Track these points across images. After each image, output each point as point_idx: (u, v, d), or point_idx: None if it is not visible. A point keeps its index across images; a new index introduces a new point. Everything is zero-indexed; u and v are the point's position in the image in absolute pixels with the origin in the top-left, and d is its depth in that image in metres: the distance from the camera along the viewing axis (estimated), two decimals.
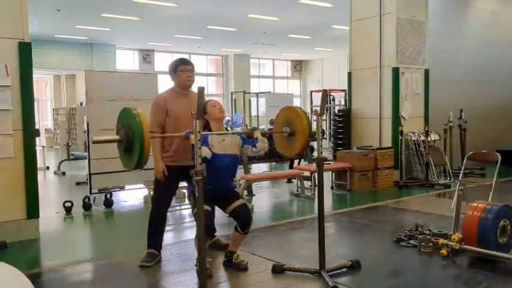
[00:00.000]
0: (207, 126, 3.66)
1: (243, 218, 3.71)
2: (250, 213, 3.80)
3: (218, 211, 3.87)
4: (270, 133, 4.12)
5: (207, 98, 3.67)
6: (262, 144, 3.67)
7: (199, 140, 2.89)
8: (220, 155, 3.57)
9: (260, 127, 13.26)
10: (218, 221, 4.29)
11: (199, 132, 2.90)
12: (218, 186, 3.59)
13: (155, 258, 4.04)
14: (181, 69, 4.04)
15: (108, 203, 6.50)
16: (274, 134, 3.91)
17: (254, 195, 7.31)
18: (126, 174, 6.58)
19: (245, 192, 6.78)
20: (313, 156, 8.40)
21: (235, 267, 3.83)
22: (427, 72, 8.54)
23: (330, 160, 8.08)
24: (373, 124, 8.31)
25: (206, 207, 3.40)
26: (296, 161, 8.85)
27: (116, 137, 2.94)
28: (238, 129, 13.78)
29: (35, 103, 5.76)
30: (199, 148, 2.89)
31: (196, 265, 3.62)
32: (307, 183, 7.25)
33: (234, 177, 3.83)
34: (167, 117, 3.97)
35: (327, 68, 24.11)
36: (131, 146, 2.83)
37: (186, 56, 21.56)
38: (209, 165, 3.40)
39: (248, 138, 3.73)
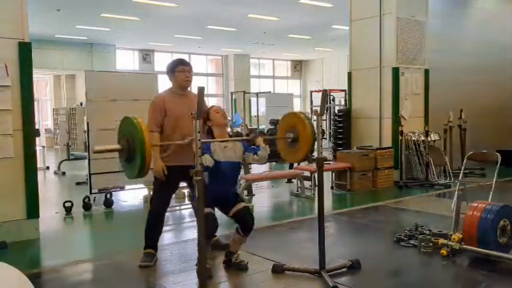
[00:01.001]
0: (209, 133, 3.65)
1: (245, 222, 3.70)
2: (253, 217, 3.79)
3: (218, 211, 3.87)
4: (272, 138, 4.11)
5: (207, 99, 3.68)
6: (264, 153, 3.66)
7: (199, 139, 2.89)
8: (223, 163, 3.56)
9: (260, 127, 13.27)
10: (218, 221, 4.28)
11: (199, 132, 2.91)
12: (220, 192, 3.59)
13: (154, 258, 4.05)
14: (180, 69, 4.05)
15: (108, 203, 6.50)
16: (278, 141, 3.90)
17: (254, 195, 7.31)
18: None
19: (245, 192, 6.79)
20: (313, 156, 8.39)
21: (235, 267, 3.83)
22: (427, 72, 8.53)
23: (330, 160, 8.09)
24: (373, 124, 8.31)
25: (207, 209, 3.41)
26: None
27: (117, 146, 2.94)
28: (238, 129, 13.79)
29: (35, 103, 5.76)
30: (200, 156, 2.89)
31: (196, 265, 3.63)
32: (307, 183, 7.25)
33: (236, 184, 3.83)
34: (166, 116, 3.98)
35: (327, 68, 24.10)
36: (132, 155, 2.82)
37: (186, 56, 21.62)
38: (211, 173, 3.41)
39: (249, 143, 3.72)
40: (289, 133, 3.71)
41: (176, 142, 3.74)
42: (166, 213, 4.27)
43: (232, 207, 3.69)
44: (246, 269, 3.81)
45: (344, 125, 8.77)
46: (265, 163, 8.75)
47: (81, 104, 15.90)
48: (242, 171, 7.17)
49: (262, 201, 7.07)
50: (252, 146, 3.71)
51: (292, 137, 3.67)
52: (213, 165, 3.43)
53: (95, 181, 6.51)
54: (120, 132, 2.99)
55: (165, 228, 4.29)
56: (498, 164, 5.20)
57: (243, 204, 3.74)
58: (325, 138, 13.60)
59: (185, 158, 3.80)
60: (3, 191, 4.77)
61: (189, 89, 4.19)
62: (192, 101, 3.55)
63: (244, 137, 4.04)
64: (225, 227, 4.67)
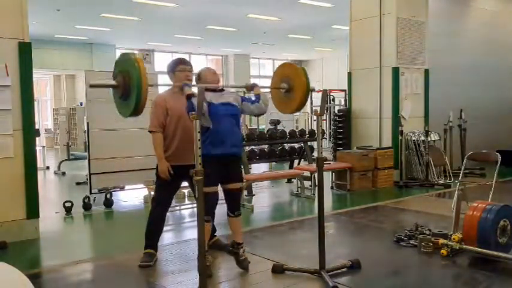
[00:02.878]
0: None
1: (231, 200, 3.79)
2: (240, 200, 3.90)
3: (219, 211, 3.88)
4: (267, 87, 4.06)
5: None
6: (265, 101, 3.69)
7: (199, 133, 2.89)
8: (221, 105, 3.61)
9: (260, 127, 13.26)
10: (218, 221, 4.28)
11: (199, 132, 2.91)
12: (225, 143, 3.59)
13: (154, 258, 4.05)
14: (180, 69, 4.05)
15: (108, 203, 6.50)
16: (272, 91, 3.88)
17: (254, 195, 7.31)
18: (126, 174, 6.61)
19: (245, 192, 6.79)
20: (313, 156, 8.40)
21: (239, 263, 3.81)
22: (427, 72, 8.53)
23: (330, 160, 8.08)
24: (373, 124, 8.31)
25: (210, 188, 3.42)
26: (296, 161, 8.85)
27: (113, 82, 2.91)
28: None
29: (35, 103, 5.76)
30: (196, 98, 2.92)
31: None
32: (307, 183, 7.26)
33: (239, 137, 3.82)
34: (168, 116, 3.98)
35: (327, 68, 24.10)
36: (128, 92, 2.79)
37: (186, 56, 21.59)
38: (211, 116, 3.44)
39: (247, 90, 3.78)
40: (283, 83, 3.69)
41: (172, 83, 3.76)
42: (167, 213, 4.27)
43: (230, 183, 3.74)
44: (247, 269, 3.80)
45: (344, 125, 8.77)
46: (264, 160, 8.73)
47: (81, 104, 15.91)
48: (242, 172, 7.19)
49: (262, 201, 7.07)
50: (250, 99, 3.77)
51: (286, 87, 3.65)
52: (212, 110, 3.49)
53: (95, 181, 6.51)
54: (116, 69, 2.96)
55: (165, 228, 4.29)
56: (498, 164, 5.20)
57: (239, 185, 3.83)
58: (325, 138, 13.60)
59: (186, 157, 3.80)
60: (3, 191, 4.77)
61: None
62: None
63: (242, 87, 4.03)
64: (225, 227, 4.67)
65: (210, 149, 3.50)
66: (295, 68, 3.66)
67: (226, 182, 3.75)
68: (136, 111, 2.77)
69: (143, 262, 3.97)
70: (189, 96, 3.39)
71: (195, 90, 3.35)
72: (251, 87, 3.71)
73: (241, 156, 3.89)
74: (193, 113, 2.93)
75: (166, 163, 3.91)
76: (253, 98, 3.89)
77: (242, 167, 7.29)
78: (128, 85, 2.78)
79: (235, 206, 3.81)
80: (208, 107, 3.52)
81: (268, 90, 4.00)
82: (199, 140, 2.92)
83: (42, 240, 4.96)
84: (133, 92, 2.72)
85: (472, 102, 9.42)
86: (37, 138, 6.64)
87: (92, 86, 2.96)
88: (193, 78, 4.16)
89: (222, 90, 3.79)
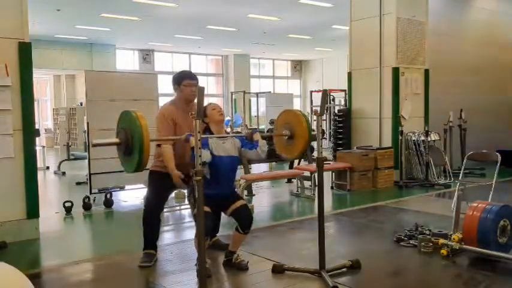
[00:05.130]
0: (207, 129, 3.68)
1: (243, 218, 3.71)
2: (251, 214, 3.81)
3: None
4: (270, 135, 4.12)
5: (206, 100, 3.68)
6: (263, 148, 3.68)
7: (199, 140, 2.89)
8: (221, 157, 3.61)
9: (260, 127, 13.27)
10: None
11: (199, 132, 2.90)
12: (219, 188, 3.62)
13: (153, 258, 4.05)
14: (186, 83, 4.02)
15: (108, 203, 6.50)
16: (275, 136, 3.91)
17: (254, 195, 7.31)
18: (126, 174, 6.56)
19: (245, 192, 6.78)
20: (313, 156, 8.40)
21: (235, 267, 3.83)
22: (427, 72, 8.54)
23: (330, 160, 8.08)
24: (373, 124, 8.31)
25: (206, 208, 3.42)
26: (296, 161, 8.85)
27: (116, 140, 2.94)
28: (239, 129, 13.80)
29: (35, 103, 5.76)
30: (200, 149, 2.90)
31: (196, 265, 3.63)
32: (307, 183, 7.25)
33: (234, 179, 3.84)
34: (175, 130, 3.95)
35: (327, 68, 24.09)
36: (131, 149, 2.83)
37: (186, 56, 21.66)
38: (210, 168, 3.42)
39: (247, 140, 3.74)
40: (285, 130, 3.71)
41: (173, 138, 3.72)
42: (167, 213, 4.28)
43: (230, 206, 3.71)
44: (246, 268, 3.81)
45: (344, 125, 8.77)
46: (264, 160, 8.76)
47: (81, 104, 15.90)
48: (242, 172, 7.20)
49: (262, 201, 7.06)
50: (250, 143, 3.73)
51: (288, 134, 3.67)
52: (212, 161, 3.47)
53: (94, 181, 6.51)
54: (119, 126, 2.98)
55: (165, 228, 4.31)
56: (498, 164, 5.20)
57: (241, 202, 3.77)
58: (325, 138, 13.60)
59: (182, 169, 3.78)
60: (3, 191, 4.77)
61: (194, 101, 4.16)
62: None
63: (242, 134, 4.04)
64: (225, 227, 4.67)
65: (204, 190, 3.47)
66: (297, 116, 3.67)
67: (227, 207, 3.72)
68: (140, 167, 2.81)
69: (143, 262, 3.97)
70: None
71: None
72: (251, 135, 3.71)
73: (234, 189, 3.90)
74: (192, 113, 2.93)
75: (178, 172, 3.84)
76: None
77: (242, 170, 7.29)
78: (130, 142, 2.81)
79: (246, 224, 3.70)
80: (212, 156, 3.50)
81: (269, 135, 4.01)
82: (199, 140, 2.92)
83: (42, 240, 4.96)
84: (136, 149, 2.76)
85: (472, 102, 9.42)
86: (37, 138, 6.63)
87: (95, 145, 2.98)
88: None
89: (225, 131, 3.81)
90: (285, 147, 3.79)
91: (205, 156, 3.34)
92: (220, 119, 3.75)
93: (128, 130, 2.84)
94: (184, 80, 4.04)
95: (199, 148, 2.90)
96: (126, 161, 2.93)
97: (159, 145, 3.96)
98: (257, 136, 3.69)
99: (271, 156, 8.51)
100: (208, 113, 3.70)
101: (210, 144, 3.54)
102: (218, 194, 3.59)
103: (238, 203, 3.73)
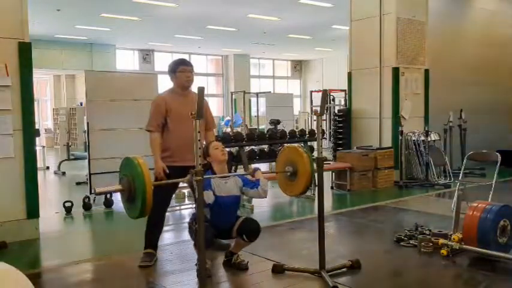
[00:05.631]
0: (209, 168, 3.65)
1: (249, 229, 3.69)
2: (257, 222, 3.79)
3: None
4: (272, 172, 4.09)
5: (207, 100, 3.67)
6: (264, 188, 3.66)
7: (199, 133, 2.89)
8: (223, 197, 3.59)
9: (260, 127, 13.26)
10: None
11: (199, 132, 2.91)
12: (222, 225, 3.64)
13: (153, 258, 4.05)
14: (181, 69, 4.06)
15: (108, 203, 6.50)
16: (277, 174, 3.90)
17: None
18: None
19: None
20: (313, 156, 8.39)
21: (235, 267, 3.83)
22: (427, 72, 8.54)
23: (330, 160, 8.08)
24: (373, 124, 8.31)
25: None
26: None
27: (119, 187, 2.96)
28: (239, 129, 13.78)
29: (35, 103, 5.76)
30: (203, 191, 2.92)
31: (196, 265, 3.63)
32: None
33: (235, 215, 3.81)
34: (167, 117, 3.98)
35: (327, 68, 24.10)
36: (134, 196, 2.84)
37: (186, 56, 21.63)
38: (213, 208, 3.43)
39: (250, 176, 3.71)
40: (288, 166, 3.70)
41: (178, 180, 3.58)
42: (166, 213, 4.27)
43: (233, 228, 3.70)
44: (246, 268, 3.81)
45: (344, 125, 8.77)
46: (264, 160, 8.76)
47: (81, 104, 15.91)
48: (242, 171, 7.18)
49: (262, 201, 7.05)
50: (252, 182, 3.69)
51: (291, 170, 3.67)
52: (215, 201, 3.47)
53: (94, 181, 6.50)
54: (121, 172, 3.00)
55: (165, 228, 4.30)
56: (498, 164, 5.20)
57: (242, 218, 3.75)
58: (325, 138, 13.60)
59: (185, 158, 3.81)
60: (3, 191, 4.77)
61: (190, 88, 4.20)
62: (193, 101, 3.54)
63: (245, 173, 4.03)
64: None
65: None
66: (300, 153, 3.66)
67: (230, 233, 3.71)
68: (143, 213, 2.84)
69: (143, 262, 3.97)
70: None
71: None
72: (253, 174, 3.70)
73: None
74: (192, 113, 2.92)
75: (162, 163, 3.90)
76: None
77: (242, 170, 7.28)
78: (133, 188, 2.83)
79: (254, 234, 3.69)
80: (215, 198, 3.49)
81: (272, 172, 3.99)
82: (199, 140, 2.92)
83: (42, 240, 4.96)
84: (139, 196, 2.78)
85: (472, 102, 9.42)
86: (37, 138, 6.63)
87: (98, 193, 3.00)
88: (194, 78, 4.17)
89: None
90: (287, 184, 3.77)
91: (208, 197, 3.35)
92: (223, 158, 3.70)
93: (130, 177, 2.85)
94: (179, 66, 4.07)
95: (203, 190, 2.90)
96: (129, 208, 2.95)
97: (149, 131, 3.98)
98: (259, 175, 3.66)
99: (272, 156, 8.52)
100: (211, 152, 3.67)
101: (212, 185, 3.53)
102: (220, 226, 3.62)
103: (239, 220, 3.72)
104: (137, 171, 2.80)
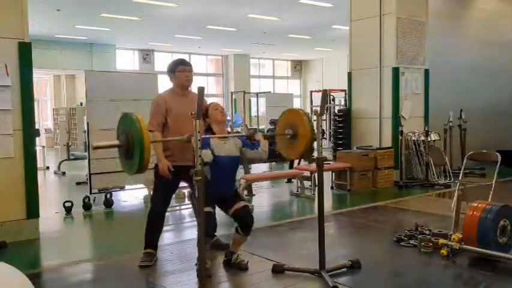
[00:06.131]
0: (209, 129, 3.67)
1: (244, 220, 3.71)
2: (252, 216, 3.80)
3: (219, 211, 3.87)
4: (272, 135, 4.12)
5: (207, 99, 3.68)
6: (264, 148, 3.68)
7: (199, 140, 2.89)
8: (222, 157, 3.59)
9: (260, 127, 13.26)
10: (218, 221, 4.28)
11: (199, 132, 2.91)
12: (220, 188, 3.61)
13: (153, 258, 4.05)
14: (180, 69, 4.07)
15: (108, 203, 6.50)
16: (277, 136, 3.91)
17: (254, 195, 7.31)
18: (126, 174, 6.55)
19: (245, 192, 6.79)
20: (313, 156, 8.39)
21: (235, 267, 3.83)
22: (427, 72, 8.53)
23: (330, 160, 8.08)
24: (373, 124, 8.30)
25: (208, 208, 3.42)
26: (296, 161, 8.85)
27: (116, 142, 2.95)
28: (238, 129, 13.79)
29: (35, 103, 5.76)
30: (200, 149, 2.90)
31: (196, 264, 3.63)
32: (307, 183, 7.25)
33: (235, 179, 3.83)
34: (168, 117, 3.99)
35: (327, 68, 24.10)
36: (131, 151, 2.83)
37: (186, 56, 21.62)
38: (211, 168, 3.42)
39: (248, 139, 3.74)
40: (288, 129, 3.71)
41: (175, 139, 3.73)
42: (166, 213, 4.27)
43: (232, 206, 3.69)
44: (246, 268, 3.81)
45: (344, 125, 8.77)
46: (265, 161, 8.77)
47: (81, 104, 15.91)
48: (242, 172, 7.19)
49: (262, 201, 7.07)
50: (251, 142, 3.73)
51: (291, 133, 3.67)
52: (213, 161, 3.46)
53: (94, 181, 6.50)
54: (119, 129, 2.99)
55: (165, 228, 4.30)
56: (498, 164, 5.20)
57: (242, 204, 3.74)
58: (325, 138, 13.60)
59: (185, 157, 3.81)
60: (3, 191, 4.77)
61: (189, 88, 4.21)
62: (193, 101, 3.55)
63: (243, 134, 4.05)
64: (225, 227, 4.67)
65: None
66: (300, 116, 3.67)
67: (229, 207, 3.71)
68: (141, 169, 2.83)
69: (143, 262, 3.97)
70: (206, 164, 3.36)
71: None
72: (252, 135, 3.72)
73: (236, 189, 3.89)
74: (193, 113, 2.93)
75: (167, 162, 3.91)
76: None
77: (242, 170, 7.29)
78: (131, 144, 2.82)
79: (246, 226, 3.71)
80: (213, 156, 3.49)
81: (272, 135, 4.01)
82: (199, 140, 2.92)
83: (42, 240, 4.96)
84: (137, 151, 2.77)
85: (472, 102, 9.42)
86: (37, 138, 6.63)
87: (95, 147, 2.99)
88: (193, 78, 4.17)
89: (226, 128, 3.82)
90: (287, 146, 3.79)
91: (207, 156, 3.34)
92: (222, 119, 3.74)
93: (129, 133, 2.84)
94: (178, 66, 4.09)
95: (200, 148, 2.90)
96: (126, 164, 2.94)
97: (150, 130, 3.98)
98: (258, 136, 3.69)
99: (271, 156, 8.54)
100: (210, 112, 3.68)
101: (211, 144, 3.54)
102: (218, 192, 3.58)
103: (240, 204, 3.71)
104: (135, 126, 2.79)
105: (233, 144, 3.71)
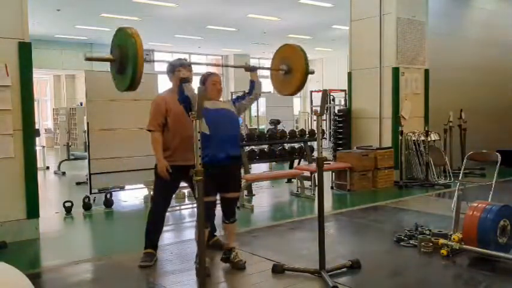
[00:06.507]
0: None
1: (227, 209, 3.82)
2: (236, 205, 3.93)
3: (219, 213, 3.88)
4: (267, 68, 4.11)
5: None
6: (257, 91, 3.80)
7: (199, 133, 2.89)
8: (218, 110, 3.65)
9: (260, 127, 13.27)
10: (218, 221, 4.28)
11: (199, 132, 2.91)
12: (221, 147, 3.59)
13: (153, 258, 4.05)
14: (180, 70, 4.05)
15: (108, 203, 6.50)
16: (272, 72, 3.90)
17: (254, 195, 7.31)
18: (126, 174, 6.61)
19: (245, 192, 6.79)
20: (313, 156, 8.40)
21: (232, 265, 3.83)
22: (427, 72, 8.54)
23: (330, 160, 8.09)
24: (373, 124, 8.31)
25: (209, 198, 3.42)
26: (296, 161, 8.86)
27: (109, 56, 2.92)
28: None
29: (35, 103, 5.76)
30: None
31: (195, 263, 3.63)
32: (307, 183, 7.25)
33: (236, 141, 3.82)
34: (168, 117, 3.99)
35: (327, 68, 24.10)
36: (124, 66, 2.80)
37: (186, 56, 21.62)
38: (209, 124, 3.46)
39: (246, 71, 3.85)
40: (283, 65, 3.69)
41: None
42: (167, 213, 4.27)
43: (229, 192, 3.75)
44: (244, 268, 3.81)
45: (344, 125, 8.77)
46: (264, 160, 8.74)
47: (81, 104, 15.91)
48: (242, 172, 7.19)
49: (262, 201, 7.06)
50: (242, 97, 3.89)
51: (285, 68, 3.65)
52: (210, 114, 3.51)
53: (94, 181, 6.50)
54: (114, 43, 2.95)
55: (165, 228, 4.30)
56: (498, 164, 5.20)
57: (237, 194, 3.87)
58: (325, 138, 13.60)
59: (186, 157, 3.81)
60: (3, 191, 4.77)
61: None
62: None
63: (241, 65, 4.08)
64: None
65: (211, 156, 3.50)
66: (295, 50, 3.65)
67: (225, 191, 3.75)
68: (132, 85, 2.79)
69: (143, 262, 3.97)
70: (182, 80, 3.49)
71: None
72: (250, 69, 3.74)
73: (241, 159, 3.92)
74: (193, 113, 2.93)
75: (165, 162, 3.92)
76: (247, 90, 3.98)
77: (242, 170, 7.29)
78: (124, 59, 2.78)
79: (230, 213, 3.84)
80: (206, 113, 3.49)
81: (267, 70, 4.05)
82: (199, 140, 2.92)
83: (42, 240, 4.96)
84: (130, 65, 2.73)
85: (472, 102, 9.42)
86: (37, 138, 6.63)
87: (87, 59, 2.96)
88: (193, 77, 4.17)
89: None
90: (281, 82, 3.76)
91: (189, 90, 3.50)
92: (215, 96, 3.77)
93: (123, 47, 2.81)
94: (177, 66, 4.07)
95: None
96: (119, 79, 2.92)
97: (150, 130, 3.99)
98: (254, 76, 3.82)
99: (272, 156, 8.54)
100: (207, 85, 3.75)
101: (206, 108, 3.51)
102: (221, 157, 3.57)
103: (235, 195, 3.81)
104: (131, 41, 2.77)
105: (227, 103, 3.83)
